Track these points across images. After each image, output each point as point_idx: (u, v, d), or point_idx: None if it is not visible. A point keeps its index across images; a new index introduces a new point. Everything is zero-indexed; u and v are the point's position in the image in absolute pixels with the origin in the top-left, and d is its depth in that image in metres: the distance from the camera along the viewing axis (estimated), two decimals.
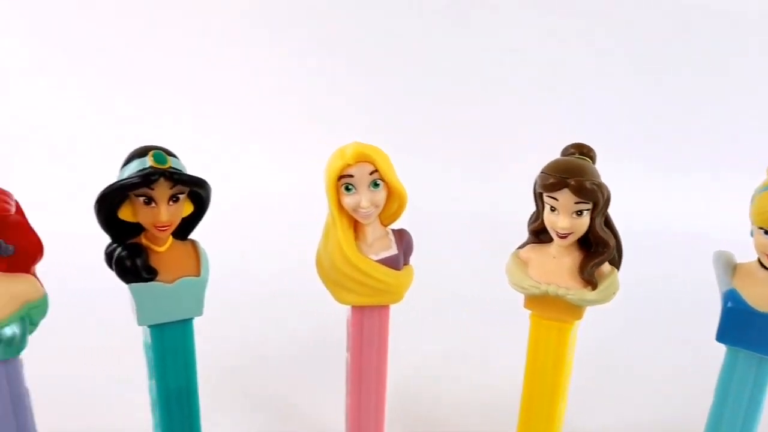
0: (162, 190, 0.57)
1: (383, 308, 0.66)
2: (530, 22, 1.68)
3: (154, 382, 0.64)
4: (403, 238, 0.66)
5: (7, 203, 0.52)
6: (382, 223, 0.65)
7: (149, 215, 0.58)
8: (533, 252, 0.65)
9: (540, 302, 0.64)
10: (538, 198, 0.63)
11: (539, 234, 0.65)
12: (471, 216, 1.51)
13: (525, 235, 0.67)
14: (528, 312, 0.66)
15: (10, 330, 0.55)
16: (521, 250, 0.66)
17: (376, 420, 0.71)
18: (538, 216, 0.64)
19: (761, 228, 0.57)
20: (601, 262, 0.62)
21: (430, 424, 0.82)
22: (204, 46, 1.68)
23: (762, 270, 0.59)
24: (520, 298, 0.66)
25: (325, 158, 0.62)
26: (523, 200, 0.71)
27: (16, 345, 0.56)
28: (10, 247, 0.55)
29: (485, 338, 1.03)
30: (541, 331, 0.65)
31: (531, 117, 1.71)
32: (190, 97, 1.68)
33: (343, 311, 0.69)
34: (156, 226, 0.58)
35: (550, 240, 0.64)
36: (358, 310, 0.66)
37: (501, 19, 1.69)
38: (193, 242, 0.64)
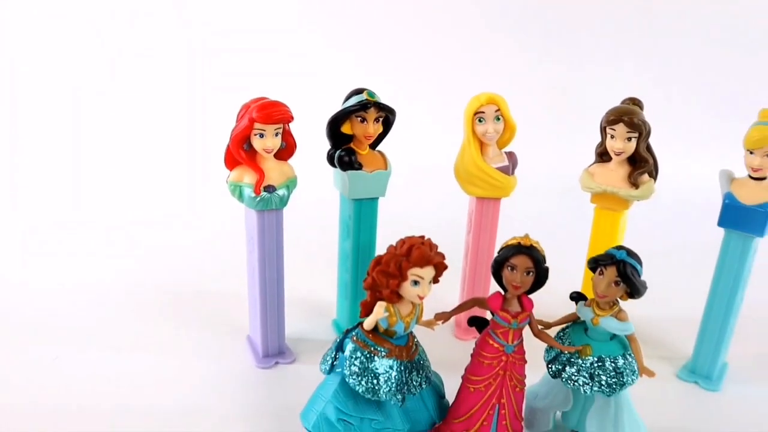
0: (372, 113, 0.93)
1: (496, 201, 1.02)
2: None
3: (350, 241, 0.99)
4: (511, 156, 1.01)
5: (290, 112, 0.89)
6: (498, 146, 1.01)
7: (362, 129, 0.93)
8: (597, 168, 1.00)
9: (601, 198, 0.99)
10: (603, 131, 0.97)
11: (602, 156, 1.00)
12: None
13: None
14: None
15: (281, 191, 0.91)
16: (590, 167, 1.01)
17: (485, 284, 1.06)
18: (602, 144, 0.99)
19: (748, 149, 0.89)
20: (642, 173, 0.96)
21: None
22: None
23: (749, 180, 0.92)
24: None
25: None
26: None
27: (284, 201, 0.92)
28: (283, 143, 0.92)
29: None
30: (601, 216, 1.00)
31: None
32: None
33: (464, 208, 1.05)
34: (365, 137, 0.94)
35: (609, 160, 0.99)
36: (481, 201, 1.01)
37: None
38: (380, 151, 0.99)
